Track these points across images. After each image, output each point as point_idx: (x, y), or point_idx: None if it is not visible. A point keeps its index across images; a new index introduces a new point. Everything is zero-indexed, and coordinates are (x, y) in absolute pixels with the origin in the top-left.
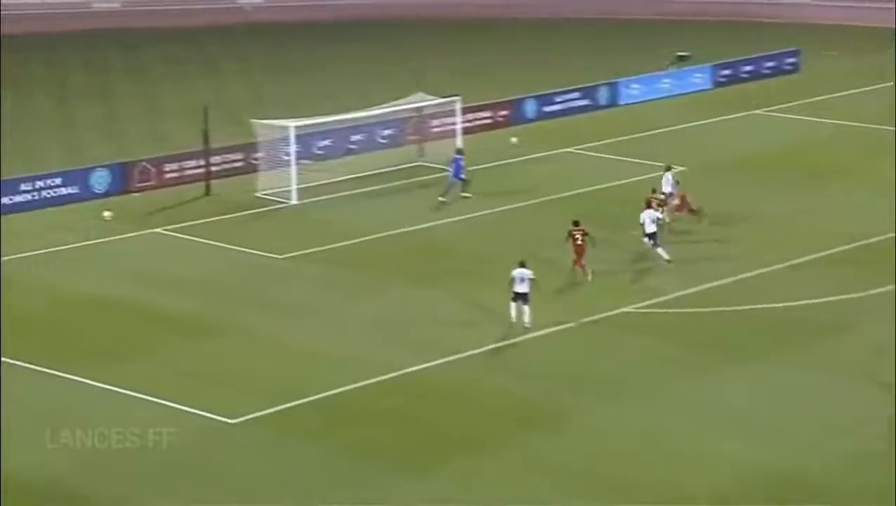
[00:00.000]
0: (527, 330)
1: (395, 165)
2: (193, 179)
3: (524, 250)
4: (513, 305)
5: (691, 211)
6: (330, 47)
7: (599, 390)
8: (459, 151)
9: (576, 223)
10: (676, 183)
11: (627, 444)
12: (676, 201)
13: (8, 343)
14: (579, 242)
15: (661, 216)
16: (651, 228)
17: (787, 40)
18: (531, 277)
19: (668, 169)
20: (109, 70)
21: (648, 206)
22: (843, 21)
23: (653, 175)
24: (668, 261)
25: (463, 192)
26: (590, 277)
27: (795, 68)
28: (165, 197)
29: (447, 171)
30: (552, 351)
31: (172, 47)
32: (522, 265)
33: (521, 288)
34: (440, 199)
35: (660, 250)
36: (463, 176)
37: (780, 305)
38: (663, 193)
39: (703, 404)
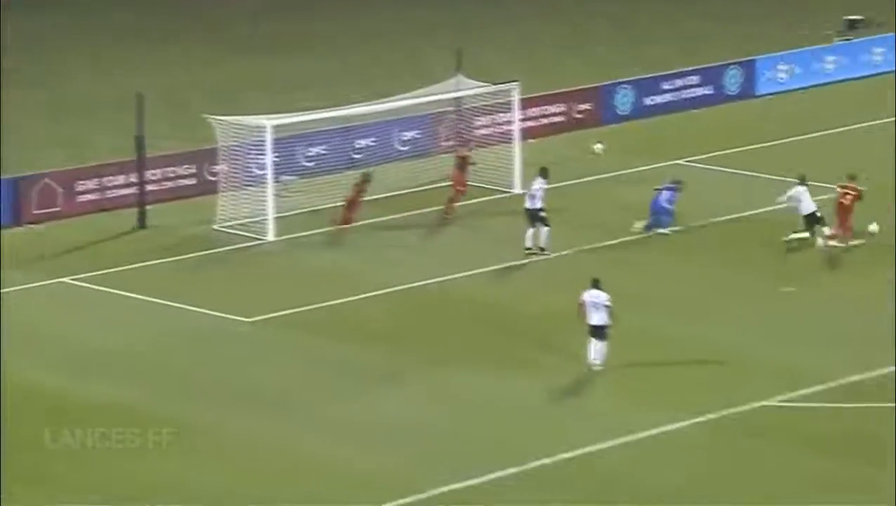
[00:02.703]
0: (593, 370)
1: (422, 185)
2: (121, 204)
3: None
4: (591, 342)
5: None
6: (326, 11)
7: None
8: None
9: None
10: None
11: None
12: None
13: None
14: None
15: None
16: (534, 203)
17: None
18: (607, 302)
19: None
20: None
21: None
22: None
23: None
24: (542, 250)
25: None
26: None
27: None
28: (79, 230)
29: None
30: (656, 464)
31: (94, 8)
32: (596, 286)
33: (597, 319)
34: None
35: (544, 231)
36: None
37: None
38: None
39: None
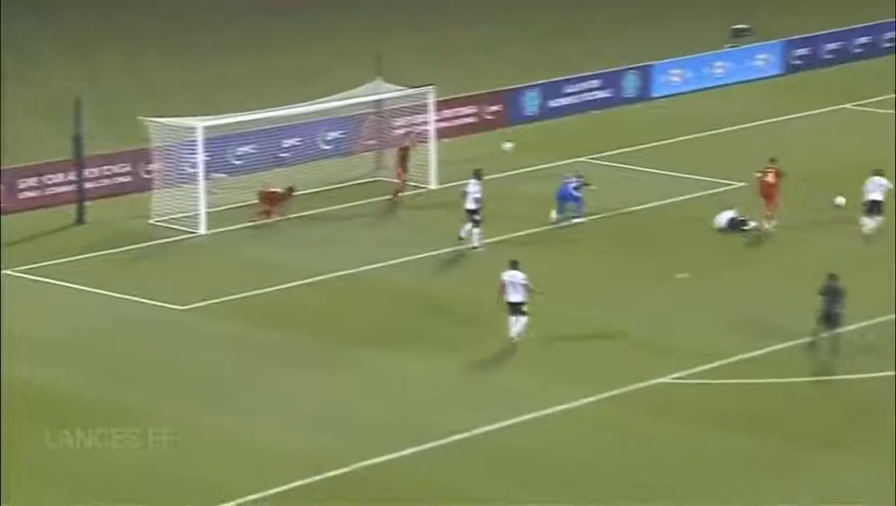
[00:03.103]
0: (514, 344)
1: (345, 181)
2: (61, 201)
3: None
4: (511, 318)
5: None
6: (253, 19)
7: (633, 496)
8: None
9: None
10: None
11: None
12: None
13: None
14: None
15: (478, 194)
16: (471, 204)
17: (885, 8)
18: (524, 281)
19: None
20: None
21: (476, 176)
22: None
23: (704, 193)
24: (475, 248)
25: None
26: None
27: None
28: (20, 225)
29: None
30: (561, 439)
31: (28, 15)
32: (514, 266)
33: (515, 297)
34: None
35: (475, 232)
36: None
37: (880, 374)
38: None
39: None
